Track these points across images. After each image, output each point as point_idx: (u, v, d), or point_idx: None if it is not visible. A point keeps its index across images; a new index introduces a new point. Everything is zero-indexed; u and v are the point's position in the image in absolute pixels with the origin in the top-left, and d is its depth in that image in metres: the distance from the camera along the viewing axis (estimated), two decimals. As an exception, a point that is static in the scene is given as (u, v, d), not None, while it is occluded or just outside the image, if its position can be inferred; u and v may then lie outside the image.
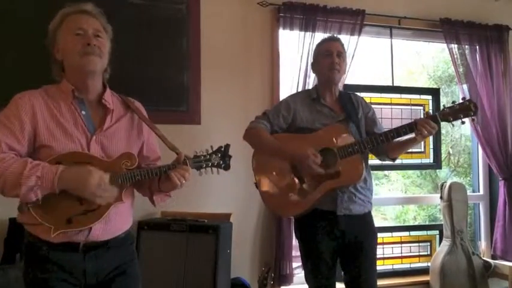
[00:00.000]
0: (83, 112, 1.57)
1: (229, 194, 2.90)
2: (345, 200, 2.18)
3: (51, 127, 1.51)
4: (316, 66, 2.37)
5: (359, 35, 3.14)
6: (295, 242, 3.00)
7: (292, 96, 2.42)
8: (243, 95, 3.03)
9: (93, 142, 1.55)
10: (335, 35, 2.48)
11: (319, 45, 2.38)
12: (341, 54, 2.29)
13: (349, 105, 2.32)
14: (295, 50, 3.06)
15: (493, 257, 3.49)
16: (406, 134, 2.14)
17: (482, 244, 3.65)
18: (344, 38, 3.11)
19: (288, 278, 2.96)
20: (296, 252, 3.01)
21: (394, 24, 3.32)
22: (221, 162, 1.67)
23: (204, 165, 1.65)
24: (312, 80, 3.03)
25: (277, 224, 2.96)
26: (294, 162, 2.14)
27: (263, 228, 3.02)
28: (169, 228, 2.53)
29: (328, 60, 2.26)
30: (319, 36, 3.07)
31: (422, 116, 3.52)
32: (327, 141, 2.16)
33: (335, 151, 2.13)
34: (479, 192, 3.73)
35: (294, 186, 2.17)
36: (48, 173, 1.41)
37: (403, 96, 3.48)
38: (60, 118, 1.53)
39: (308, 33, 3.05)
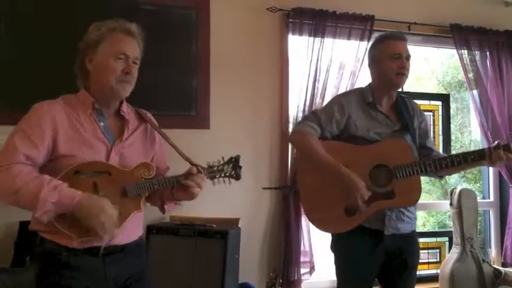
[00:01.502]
0: (102, 123, 1.59)
1: (237, 199, 2.90)
2: (393, 218, 2.00)
3: (71, 137, 1.52)
4: (376, 67, 2.08)
5: (368, 40, 3.13)
6: (303, 247, 3.01)
7: (345, 97, 2.15)
8: (252, 100, 3.04)
9: (113, 152, 1.58)
10: (402, 34, 2.14)
11: (381, 43, 2.08)
12: (409, 57, 2.05)
13: (405, 113, 2.10)
14: (304, 56, 3.06)
15: (503, 265, 3.46)
16: (474, 161, 1.97)
17: (493, 251, 3.62)
18: (353, 43, 3.13)
19: (296, 284, 2.94)
20: (304, 258, 3.00)
21: (403, 30, 3.30)
22: (233, 172, 1.72)
23: (218, 176, 1.69)
24: (321, 85, 3.04)
25: (285, 229, 2.95)
26: (345, 186, 1.95)
27: (271, 233, 3.02)
28: (178, 233, 2.54)
29: (396, 63, 2.00)
30: (329, 41, 3.08)
31: (433, 122, 3.52)
32: (384, 157, 1.97)
33: (392, 169, 1.96)
34: (489, 198, 3.70)
35: (341, 202, 1.98)
36: (65, 200, 1.41)
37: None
38: (80, 128, 1.55)
39: (317, 39, 3.05)
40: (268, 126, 3.04)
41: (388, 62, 2.02)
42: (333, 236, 2.15)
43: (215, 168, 1.69)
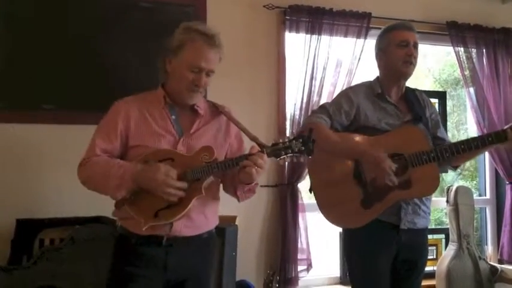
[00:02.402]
0: (173, 117, 1.70)
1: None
2: (409, 212, 1.95)
3: (142, 130, 1.66)
4: (384, 57, 2.05)
5: (365, 38, 3.13)
6: (300, 245, 3.01)
7: (352, 89, 2.13)
8: (249, 98, 3.03)
9: (180, 144, 1.67)
10: (410, 24, 2.09)
11: (389, 32, 2.05)
12: (417, 45, 2.01)
13: (416, 103, 2.07)
14: (301, 53, 3.05)
15: (500, 262, 3.47)
16: (491, 143, 1.88)
17: (489, 248, 3.64)
18: (350, 41, 3.13)
19: (293, 281, 2.94)
20: (302, 255, 3.01)
21: (400, 28, 3.31)
22: (303, 147, 1.57)
23: (284, 153, 1.59)
24: (317, 83, 3.03)
25: (282, 226, 2.95)
26: (367, 163, 1.89)
27: (268, 231, 3.02)
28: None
29: (404, 51, 1.97)
30: (326, 39, 3.08)
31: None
32: (397, 145, 1.90)
33: (406, 158, 1.89)
34: (485, 196, 3.71)
35: (356, 195, 1.94)
36: (128, 172, 1.56)
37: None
38: (152, 121, 1.67)
39: (314, 36, 3.05)
40: (265, 123, 3.03)
41: (396, 50, 2.00)
42: (346, 231, 2.11)
43: (280, 145, 1.59)
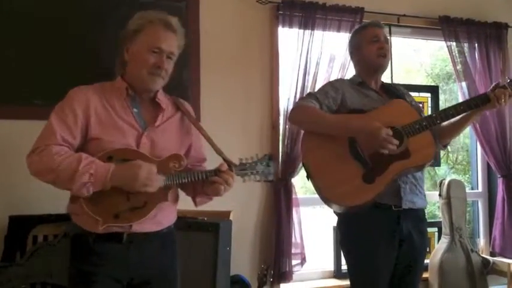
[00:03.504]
0: (135, 109, 1.63)
1: (229, 192, 2.88)
2: (407, 191, 1.98)
3: (103, 121, 1.57)
4: (358, 53, 2.16)
5: (358, 32, 3.13)
6: (294, 239, 3.02)
7: (334, 80, 2.24)
8: (243, 93, 3.03)
9: (144, 137, 1.60)
10: (378, 22, 2.24)
11: (360, 31, 2.19)
12: (387, 40, 2.14)
13: (394, 91, 2.18)
14: (294, 48, 3.05)
15: (492, 254, 3.51)
16: (477, 106, 1.97)
17: (481, 241, 3.67)
18: (343, 35, 3.12)
19: (287, 275, 2.96)
20: (295, 250, 3.02)
21: (393, 22, 3.32)
22: (265, 171, 1.66)
23: (249, 173, 1.65)
24: (311, 78, 3.04)
25: (276, 221, 2.96)
26: (363, 136, 1.89)
27: (262, 225, 3.03)
28: (169, 226, 2.53)
29: (376, 46, 2.09)
30: (319, 34, 3.08)
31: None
32: (389, 119, 1.93)
33: (400, 129, 1.92)
34: (478, 189, 3.74)
35: (356, 172, 1.92)
36: (101, 170, 1.47)
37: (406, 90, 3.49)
38: (112, 112, 1.59)
39: (307, 31, 3.05)
40: (258, 119, 3.04)
41: (368, 46, 2.12)
42: (342, 222, 2.11)
43: (247, 166, 1.65)
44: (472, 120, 2.09)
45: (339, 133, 1.97)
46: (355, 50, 2.19)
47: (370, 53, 2.11)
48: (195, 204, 1.77)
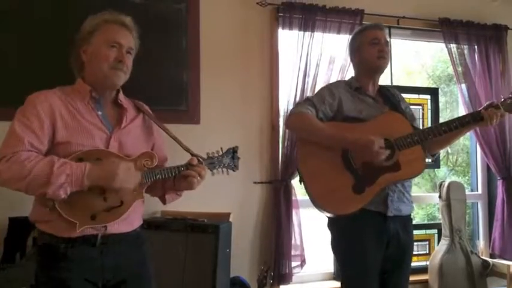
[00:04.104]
0: (99, 112, 1.62)
1: (228, 194, 2.91)
2: (395, 199, 2.03)
3: (69, 124, 1.54)
4: (358, 55, 2.18)
5: (358, 34, 3.14)
6: (294, 241, 3.02)
7: (332, 84, 2.23)
8: (242, 95, 3.03)
9: (112, 140, 1.60)
10: (379, 24, 2.27)
11: (361, 33, 2.20)
12: (388, 43, 2.16)
13: (391, 97, 2.19)
14: (294, 50, 3.06)
15: (492, 256, 3.51)
16: (469, 124, 2.02)
17: (481, 243, 3.67)
18: (343, 37, 3.13)
19: (287, 277, 2.96)
20: (295, 251, 3.02)
21: (393, 24, 3.32)
22: (231, 163, 1.76)
23: (217, 166, 1.73)
24: (311, 80, 3.04)
25: (276, 223, 2.97)
26: (356, 149, 1.95)
27: (262, 227, 3.03)
28: (169, 228, 2.53)
29: (376, 48, 2.11)
30: (319, 36, 3.09)
31: (422, 116, 3.55)
32: (383, 131, 1.98)
33: (392, 142, 1.98)
34: (477, 191, 3.74)
35: (347, 181, 1.98)
36: (77, 170, 1.44)
37: (402, 95, 3.48)
38: (78, 116, 1.57)
39: (307, 33, 3.05)
40: (258, 120, 3.04)
41: (369, 48, 2.13)
42: (333, 224, 2.14)
43: (215, 159, 1.72)
44: (463, 134, 2.15)
45: (333, 144, 2.01)
46: (355, 51, 2.20)
47: (370, 54, 2.13)
48: (164, 202, 1.78)
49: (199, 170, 1.64)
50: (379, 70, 2.17)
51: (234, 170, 1.79)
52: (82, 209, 1.49)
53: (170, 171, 1.63)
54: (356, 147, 1.96)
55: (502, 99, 2.07)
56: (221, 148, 1.77)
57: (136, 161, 1.59)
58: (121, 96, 1.69)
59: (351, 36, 2.30)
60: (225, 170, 1.76)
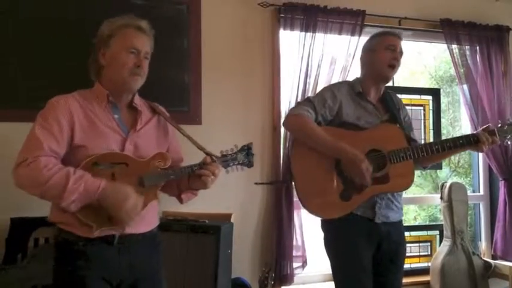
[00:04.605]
0: (116, 115, 1.66)
1: (229, 195, 2.91)
2: (383, 206, 2.07)
3: (87, 128, 1.58)
4: (371, 56, 2.18)
5: (359, 35, 3.13)
6: (295, 242, 3.02)
7: (335, 86, 2.23)
8: (244, 95, 3.03)
9: (128, 142, 1.64)
10: (399, 33, 2.27)
11: (381, 36, 2.19)
12: (402, 53, 2.17)
13: (392, 105, 2.20)
14: (295, 51, 3.06)
15: (494, 257, 3.50)
16: (462, 145, 2.06)
17: (483, 244, 3.66)
18: (344, 38, 3.13)
19: (288, 278, 2.96)
20: (297, 252, 3.02)
21: (394, 25, 3.31)
22: (246, 160, 1.77)
23: (231, 164, 1.75)
24: (312, 80, 3.04)
25: (277, 224, 2.96)
26: (346, 161, 1.98)
27: (263, 228, 3.03)
28: (170, 229, 2.53)
29: (390, 55, 2.12)
30: (320, 36, 3.08)
31: (423, 116, 3.55)
32: (377, 142, 2.03)
33: (385, 154, 2.02)
34: (479, 192, 3.73)
35: (336, 187, 2.03)
36: (91, 189, 1.47)
37: (404, 96, 3.47)
38: (95, 119, 1.61)
39: (309, 34, 3.05)
40: (260, 121, 3.04)
41: (383, 52, 2.13)
42: (325, 226, 2.17)
43: (228, 157, 1.74)
44: (455, 154, 2.20)
45: (327, 151, 2.03)
46: (370, 51, 2.20)
47: (382, 59, 2.13)
48: (181, 201, 1.81)
49: (212, 168, 1.66)
50: (386, 78, 2.18)
51: (249, 167, 1.80)
52: (98, 212, 1.52)
53: (184, 171, 1.66)
54: (345, 159, 1.99)
55: (499, 125, 2.11)
56: (235, 145, 1.78)
57: (149, 162, 1.63)
58: (136, 99, 1.73)
59: (370, 36, 2.27)
60: (239, 167, 1.77)
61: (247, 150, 1.78)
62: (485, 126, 2.11)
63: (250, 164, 1.79)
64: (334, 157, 2.04)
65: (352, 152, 1.96)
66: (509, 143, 2.12)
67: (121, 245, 1.59)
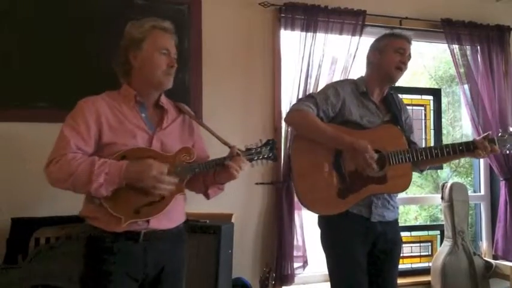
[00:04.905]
0: (143, 114, 1.73)
1: (230, 195, 2.87)
2: (379, 206, 2.09)
3: (115, 127, 1.66)
4: (379, 56, 2.16)
5: (360, 35, 3.14)
6: (296, 242, 3.02)
7: (339, 84, 2.22)
8: (244, 95, 3.03)
9: (154, 140, 1.71)
10: (410, 37, 2.22)
11: (391, 37, 2.18)
12: (410, 57, 2.17)
13: (394, 106, 2.20)
14: (296, 51, 3.05)
15: (494, 257, 3.50)
16: (461, 152, 2.07)
17: (484, 244, 3.66)
18: (345, 38, 3.13)
19: (289, 278, 2.96)
20: (297, 252, 3.02)
21: (395, 25, 3.31)
22: (270, 154, 1.81)
23: (256, 158, 1.79)
24: (313, 80, 3.04)
25: (278, 224, 2.96)
26: (350, 151, 1.98)
27: (264, 228, 3.03)
28: (171, 229, 2.53)
29: (399, 58, 2.11)
30: (321, 36, 3.08)
31: (424, 116, 3.55)
32: (378, 142, 2.02)
33: (385, 155, 2.03)
34: (480, 192, 3.73)
35: (334, 184, 2.04)
36: (115, 168, 1.56)
37: (404, 96, 3.47)
38: (123, 118, 1.68)
39: (309, 34, 3.05)
40: (260, 121, 3.04)
41: (392, 54, 2.12)
42: (321, 224, 2.18)
43: (253, 151, 1.79)
44: (454, 160, 2.21)
45: (330, 143, 2.04)
46: (378, 51, 2.18)
47: (390, 61, 2.12)
48: (208, 197, 1.87)
49: (238, 161, 1.71)
50: (392, 80, 2.17)
51: (274, 161, 1.86)
52: (126, 204, 1.60)
53: (208, 164, 1.73)
54: (350, 149, 1.98)
55: (500, 134, 2.11)
56: (260, 140, 1.83)
57: (175, 156, 1.68)
58: (163, 98, 1.79)
59: (380, 36, 2.26)
60: (264, 161, 1.81)
61: (271, 144, 1.82)
62: (485, 134, 2.10)
63: (275, 158, 1.83)
64: (335, 151, 2.05)
65: (357, 141, 1.95)
66: (508, 152, 2.13)
67: (146, 242, 1.64)
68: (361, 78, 2.24)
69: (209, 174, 1.79)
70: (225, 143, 1.80)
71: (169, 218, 1.71)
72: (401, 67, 2.12)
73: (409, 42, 2.17)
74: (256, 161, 1.80)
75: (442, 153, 2.06)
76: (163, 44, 1.71)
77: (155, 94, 1.76)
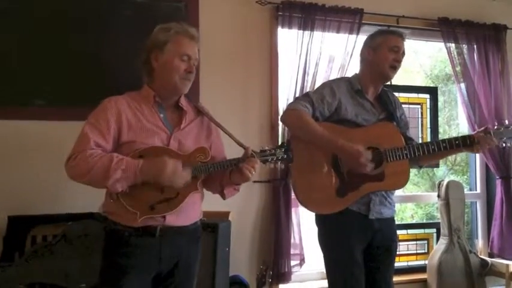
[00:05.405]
0: (162, 115, 1.79)
1: (227, 192, 2.90)
2: (377, 203, 2.10)
3: (134, 126, 1.72)
4: (373, 54, 2.15)
5: (357, 34, 3.14)
6: (293, 240, 3.02)
7: (335, 82, 2.20)
8: (242, 93, 3.03)
9: (172, 139, 1.76)
10: (404, 34, 2.23)
11: (385, 35, 2.18)
12: (404, 54, 2.15)
13: (389, 104, 2.20)
14: (293, 49, 3.06)
15: (490, 255, 3.52)
16: (458, 146, 2.07)
17: (479, 242, 3.68)
18: (342, 36, 3.13)
19: (286, 276, 2.96)
20: (294, 250, 3.02)
21: (392, 23, 3.32)
22: (285, 156, 1.82)
23: (270, 159, 1.81)
24: (310, 79, 3.04)
25: (275, 222, 2.97)
26: (344, 156, 2.00)
27: (261, 226, 3.03)
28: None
29: (393, 56, 2.11)
30: (318, 35, 3.08)
31: (420, 115, 3.56)
32: (375, 140, 2.04)
33: (382, 152, 2.04)
34: (476, 190, 3.75)
35: (332, 183, 2.05)
36: (131, 165, 1.62)
37: (401, 95, 3.48)
38: (142, 118, 1.74)
39: (307, 32, 3.05)
40: (258, 119, 3.04)
41: (386, 52, 2.12)
42: (319, 221, 2.19)
43: (267, 152, 1.81)
44: (451, 155, 2.22)
45: (324, 146, 2.05)
46: (372, 48, 2.17)
47: (384, 59, 2.12)
48: (224, 197, 1.91)
49: (252, 163, 1.75)
50: (386, 78, 2.18)
51: (289, 162, 1.90)
52: (142, 200, 1.66)
53: (222, 164, 1.76)
54: (344, 154, 2.01)
55: (495, 127, 2.11)
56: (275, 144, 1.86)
57: (190, 155, 1.73)
58: (182, 100, 1.85)
59: (372, 33, 2.25)
60: (278, 162, 1.83)
61: (286, 146, 1.83)
62: (482, 128, 2.12)
63: (290, 160, 1.85)
64: (331, 152, 2.06)
65: (350, 145, 1.97)
66: (504, 145, 2.12)
67: (162, 237, 1.70)
68: (355, 76, 2.23)
69: (225, 175, 1.83)
70: (240, 144, 1.82)
71: (186, 215, 1.76)
72: (395, 65, 2.12)
73: (404, 40, 2.17)
74: (270, 162, 1.82)
75: (439, 148, 2.06)
76: (185, 50, 1.75)
77: (173, 96, 1.81)
